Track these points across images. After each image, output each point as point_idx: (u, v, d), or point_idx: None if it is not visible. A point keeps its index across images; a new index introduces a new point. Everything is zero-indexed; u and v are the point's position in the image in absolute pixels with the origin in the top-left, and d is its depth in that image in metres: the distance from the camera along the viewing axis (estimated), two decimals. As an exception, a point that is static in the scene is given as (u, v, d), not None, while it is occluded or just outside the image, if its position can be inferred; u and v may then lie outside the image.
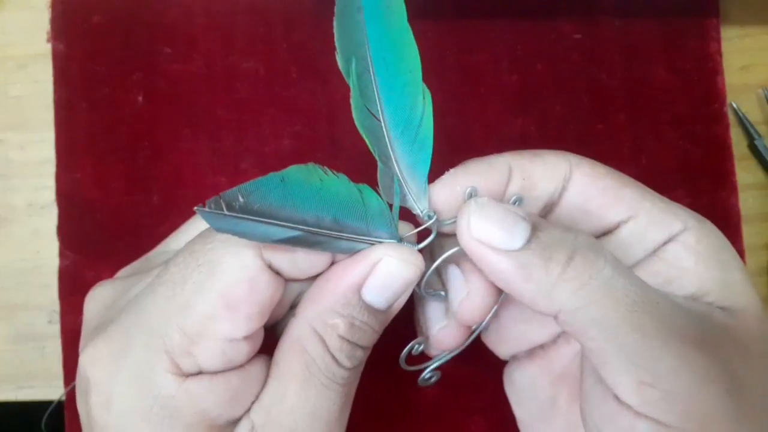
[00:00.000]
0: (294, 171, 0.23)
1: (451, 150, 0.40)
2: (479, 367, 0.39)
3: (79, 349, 0.25)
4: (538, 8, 0.41)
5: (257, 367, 0.24)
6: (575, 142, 0.40)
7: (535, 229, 0.23)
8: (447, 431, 0.39)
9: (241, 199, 0.22)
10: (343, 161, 0.40)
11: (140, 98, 0.40)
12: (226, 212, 0.21)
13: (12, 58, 0.41)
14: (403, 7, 0.24)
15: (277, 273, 0.24)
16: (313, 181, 0.23)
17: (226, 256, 0.23)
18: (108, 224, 0.39)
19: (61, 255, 0.39)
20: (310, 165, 0.23)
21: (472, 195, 0.25)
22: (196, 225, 0.28)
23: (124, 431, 0.23)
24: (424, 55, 0.40)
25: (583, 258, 0.22)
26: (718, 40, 0.41)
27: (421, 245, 0.25)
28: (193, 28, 0.40)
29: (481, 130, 0.40)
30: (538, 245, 0.22)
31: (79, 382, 0.24)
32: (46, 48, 0.40)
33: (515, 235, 0.22)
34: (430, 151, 0.25)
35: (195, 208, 0.21)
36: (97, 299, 0.27)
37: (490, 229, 0.22)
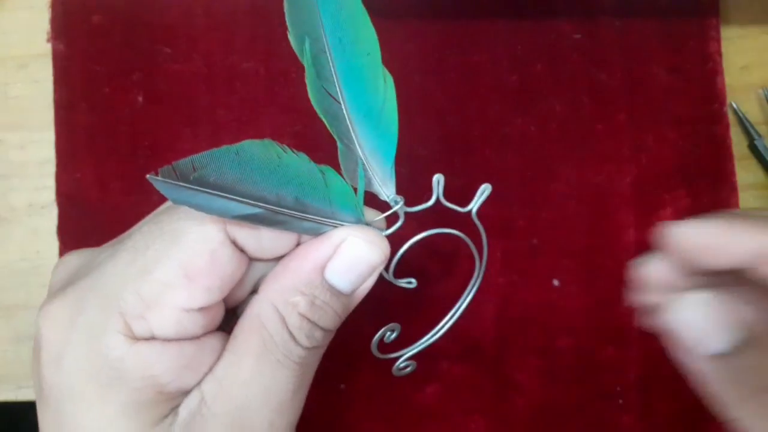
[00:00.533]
0: (249, 145, 0.23)
1: (451, 150, 0.40)
2: (479, 367, 0.39)
3: None
4: (538, 8, 0.41)
5: (213, 341, 0.24)
6: (575, 142, 0.40)
7: (746, 345, 0.22)
8: (447, 431, 0.39)
9: (195, 171, 0.21)
10: (343, 161, 0.39)
11: (140, 98, 0.40)
12: (180, 183, 0.21)
13: (12, 58, 0.41)
14: None
15: (242, 250, 0.24)
16: (270, 157, 0.23)
17: (191, 227, 0.23)
18: (108, 224, 0.39)
19: (61, 255, 0.39)
20: (266, 140, 0.23)
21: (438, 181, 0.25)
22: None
23: (72, 390, 0.23)
24: (425, 55, 0.40)
25: None
26: (718, 40, 0.41)
27: (389, 231, 0.25)
28: (193, 28, 0.40)
29: (481, 130, 0.40)
30: (739, 360, 0.22)
31: (34, 345, 0.24)
32: (46, 48, 0.40)
33: (722, 342, 0.22)
34: (395, 135, 0.25)
35: (147, 176, 0.21)
36: (64, 266, 0.27)
37: (703, 328, 0.22)
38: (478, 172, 0.40)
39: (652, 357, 0.39)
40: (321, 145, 0.40)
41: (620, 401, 0.39)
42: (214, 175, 0.22)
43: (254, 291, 0.26)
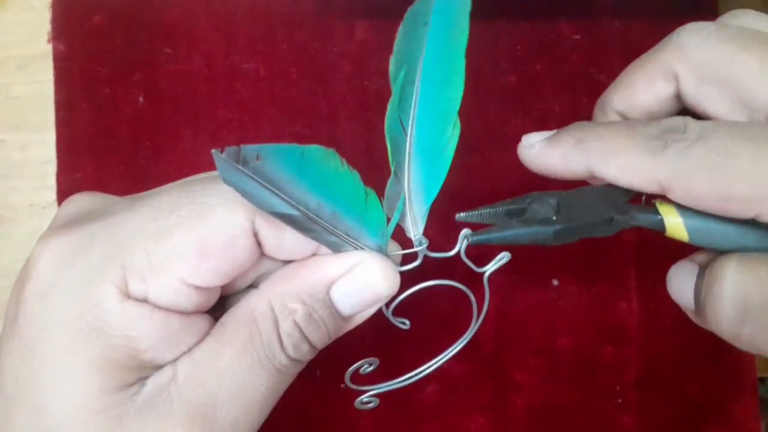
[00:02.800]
0: (315, 150, 0.23)
1: (451, 150, 0.40)
2: (479, 366, 0.40)
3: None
4: (538, 8, 0.41)
5: (200, 322, 0.24)
6: (575, 142, 0.40)
7: None
8: (447, 431, 0.40)
9: (257, 159, 0.22)
10: (343, 161, 0.40)
11: (141, 98, 0.40)
12: (239, 165, 0.21)
13: (13, 59, 0.41)
14: (466, 38, 0.25)
15: (259, 244, 0.24)
16: (328, 167, 0.23)
17: (220, 206, 0.23)
18: (109, 224, 0.39)
19: (62, 255, 0.39)
20: (332, 150, 0.23)
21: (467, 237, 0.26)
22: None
23: (49, 328, 0.22)
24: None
25: None
26: (717, 40, 0.41)
27: (404, 268, 0.25)
28: (194, 29, 0.40)
29: (481, 130, 0.40)
30: None
31: (20, 273, 0.24)
32: (47, 48, 0.40)
33: None
34: (442, 180, 0.25)
35: (213, 150, 0.21)
36: (74, 203, 0.26)
37: None
38: (478, 172, 0.40)
39: (652, 357, 0.39)
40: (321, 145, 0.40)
41: (620, 401, 0.39)
42: (272, 169, 0.22)
43: (252, 285, 0.26)
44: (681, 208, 0.23)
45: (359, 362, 0.28)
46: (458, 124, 0.25)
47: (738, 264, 0.22)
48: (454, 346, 0.28)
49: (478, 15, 0.40)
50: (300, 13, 0.40)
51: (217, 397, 0.23)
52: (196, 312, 0.24)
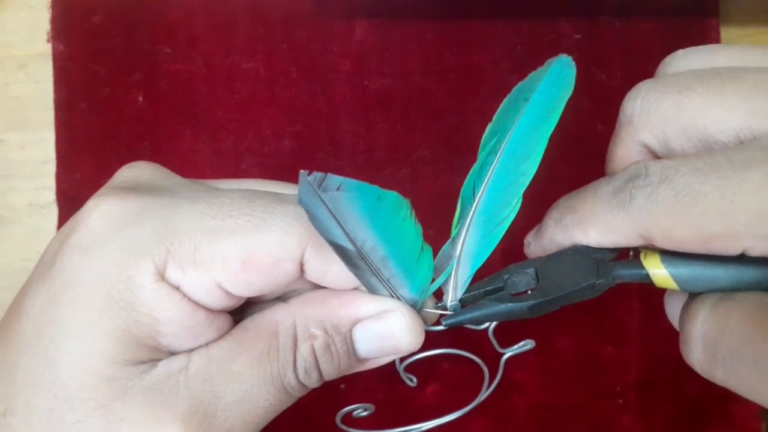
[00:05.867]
0: (392, 196, 0.23)
1: (450, 150, 0.40)
2: (479, 367, 0.39)
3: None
4: (538, 8, 0.41)
5: (222, 320, 0.24)
6: (575, 142, 0.40)
7: None
8: (447, 431, 0.39)
9: (337, 189, 0.22)
10: (343, 161, 0.40)
11: (140, 98, 0.40)
12: (319, 190, 0.21)
13: (12, 58, 0.41)
14: (556, 121, 0.25)
15: (302, 269, 0.24)
16: (397, 215, 0.24)
17: (277, 227, 0.23)
18: (108, 224, 0.39)
19: (62, 255, 0.39)
20: (407, 201, 0.24)
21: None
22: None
23: (79, 284, 0.22)
24: (425, 55, 0.40)
25: None
26: (718, 40, 0.41)
27: (431, 328, 0.26)
28: (194, 28, 0.40)
29: (481, 130, 0.40)
30: None
31: (71, 220, 0.24)
32: (47, 48, 0.40)
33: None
34: (491, 251, 0.26)
35: (301, 171, 0.21)
36: (136, 169, 0.26)
37: None
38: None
39: (652, 357, 0.39)
40: (321, 145, 0.40)
41: (620, 401, 0.39)
42: (347, 202, 0.22)
43: (280, 297, 0.26)
44: (667, 256, 0.22)
45: (354, 405, 0.28)
46: (521, 200, 0.25)
47: (712, 307, 0.22)
48: (452, 414, 0.28)
49: (478, 15, 0.40)
50: (300, 13, 0.40)
51: (221, 400, 0.23)
52: (221, 311, 0.24)
